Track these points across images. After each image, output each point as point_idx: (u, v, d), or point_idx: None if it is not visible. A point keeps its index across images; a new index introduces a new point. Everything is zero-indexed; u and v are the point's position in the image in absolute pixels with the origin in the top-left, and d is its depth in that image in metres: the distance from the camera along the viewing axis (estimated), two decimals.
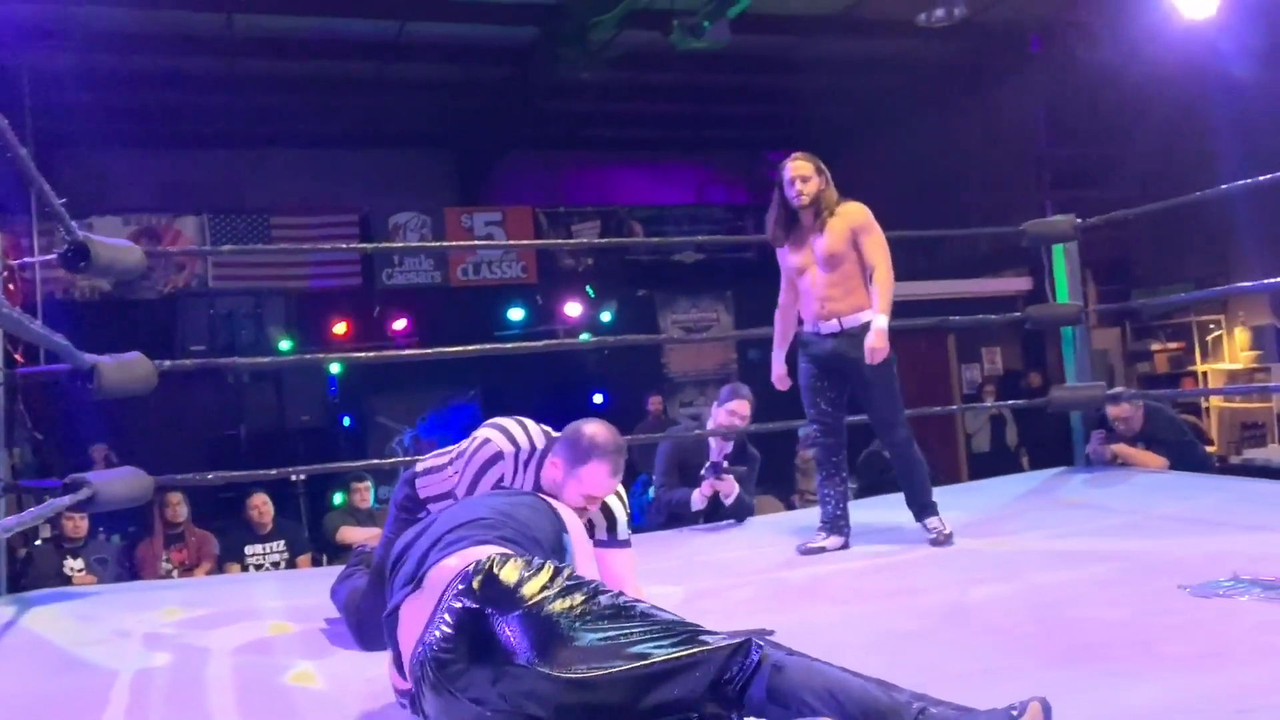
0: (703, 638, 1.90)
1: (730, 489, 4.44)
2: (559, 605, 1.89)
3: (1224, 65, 7.86)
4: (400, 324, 10.11)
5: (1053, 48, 9.83)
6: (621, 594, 2.01)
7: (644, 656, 1.86)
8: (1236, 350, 9.69)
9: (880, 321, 3.64)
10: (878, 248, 3.76)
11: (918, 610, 2.86)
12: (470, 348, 4.99)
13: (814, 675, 1.89)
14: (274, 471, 5.25)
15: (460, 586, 1.94)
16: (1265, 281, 5.86)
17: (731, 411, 4.50)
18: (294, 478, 7.21)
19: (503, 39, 9.53)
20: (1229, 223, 8.31)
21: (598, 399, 10.47)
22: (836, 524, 3.80)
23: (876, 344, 3.61)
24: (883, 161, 12.63)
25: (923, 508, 3.84)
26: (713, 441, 4.52)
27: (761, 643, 1.90)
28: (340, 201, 11.24)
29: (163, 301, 9.86)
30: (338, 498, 7.14)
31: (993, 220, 8.61)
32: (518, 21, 9.15)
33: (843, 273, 3.77)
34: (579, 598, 1.92)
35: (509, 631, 1.88)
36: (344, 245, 10.61)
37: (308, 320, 9.93)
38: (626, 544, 2.75)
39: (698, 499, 4.44)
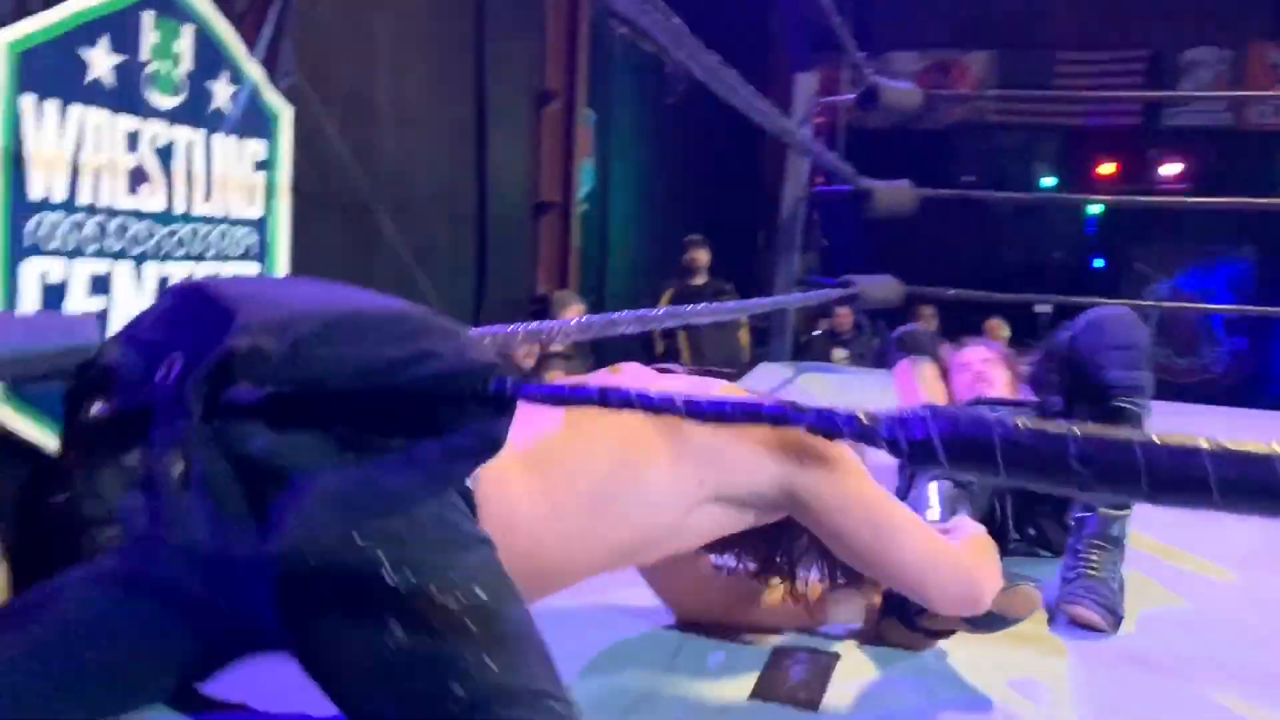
0: None
1: None
2: None
3: None
4: (1173, 168, 9.59)
5: None
6: None
7: None
8: None
9: None
10: None
11: None
12: (1243, 200, 4.71)
13: None
14: (1015, 297, 5.63)
15: None
16: None
17: None
18: (1037, 308, 7.50)
19: None
20: None
21: None
22: None
23: None
24: None
25: None
26: None
27: None
28: (1129, 36, 10.74)
29: (941, 133, 10.56)
30: None
31: None
32: None
33: None
34: None
35: None
36: (1123, 93, 10.22)
37: (1076, 158, 9.91)
38: None
39: None
